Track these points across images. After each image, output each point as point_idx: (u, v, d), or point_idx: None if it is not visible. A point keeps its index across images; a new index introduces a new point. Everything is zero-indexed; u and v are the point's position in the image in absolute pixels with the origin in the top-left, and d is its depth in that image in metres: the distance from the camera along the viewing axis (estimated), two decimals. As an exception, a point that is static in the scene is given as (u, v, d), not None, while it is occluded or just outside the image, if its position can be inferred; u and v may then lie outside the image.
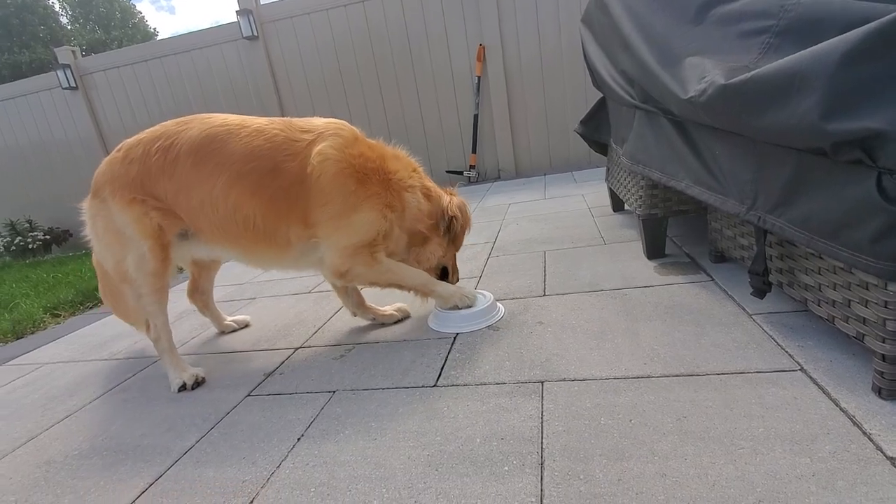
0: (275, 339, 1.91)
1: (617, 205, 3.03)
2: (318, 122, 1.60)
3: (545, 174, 5.61)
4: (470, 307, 1.70)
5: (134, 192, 1.54)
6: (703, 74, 1.26)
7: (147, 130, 1.61)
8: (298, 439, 1.20)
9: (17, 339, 2.66)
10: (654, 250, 2.07)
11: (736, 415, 1.02)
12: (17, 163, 7.29)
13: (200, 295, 2.02)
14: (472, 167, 5.89)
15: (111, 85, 6.68)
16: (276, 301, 2.42)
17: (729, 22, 1.33)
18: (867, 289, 0.97)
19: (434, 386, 1.35)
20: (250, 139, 1.52)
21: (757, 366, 1.18)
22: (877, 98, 0.86)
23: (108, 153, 6.07)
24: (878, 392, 1.00)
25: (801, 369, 1.14)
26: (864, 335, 1.02)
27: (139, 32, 24.44)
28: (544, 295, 1.88)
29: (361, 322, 1.90)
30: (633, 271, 1.96)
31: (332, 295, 2.27)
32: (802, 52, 0.98)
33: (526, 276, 2.13)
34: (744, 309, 1.48)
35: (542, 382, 1.27)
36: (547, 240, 2.66)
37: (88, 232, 1.67)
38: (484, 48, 5.57)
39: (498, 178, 5.93)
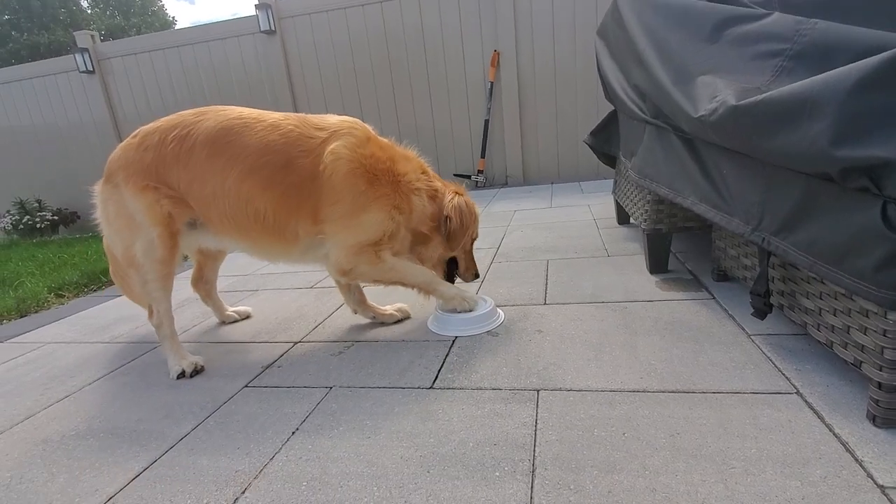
0: (275, 332, 1.92)
1: (622, 218, 3.04)
2: (332, 119, 1.61)
3: (552, 183, 5.62)
4: (470, 311, 1.71)
5: (147, 179, 1.55)
6: (714, 93, 1.27)
7: (164, 119, 1.63)
8: (293, 433, 1.21)
9: (21, 317, 2.69)
10: (657, 265, 2.07)
11: (729, 434, 1.02)
12: (31, 143, 7.37)
13: (204, 284, 2.04)
14: (479, 172, 5.91)
15: (128, 71, 6.74)
16: (277, 294, 2.44)
17: (744, 43, 1.34)
18: (867, 316, 0.98)
19: (430, 388, 1.36)
20: (265, 133, 1.53)
21: (753, 386, 1.18)
22: (887, 127, 0.86)
23: (120, 138, 6.12)
24: (873, 420, 1.00)
25: (798, 392, 1.14)
26: (861, 362, 1.02)
27: (158, 20, 24.66)
28: (545, 304, 1.88)
29: (361, 320, 1.91)
30: (634, 285, 1.96)
31: (333, 291, 2.28)
32: (815, 77, 0.98)
33: (528, 283, 2.13)
34: (743, 329, 1.48)
35: (538, 391, 1.27)
36: (551, 248, 2.67)
37: (99, 216, 1.69)
38: (498, 54, 5.60)
39: (505, 185, 5.94)
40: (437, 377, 1.41)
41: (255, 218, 1.56)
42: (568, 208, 3.86)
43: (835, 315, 1.10)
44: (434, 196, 1.73)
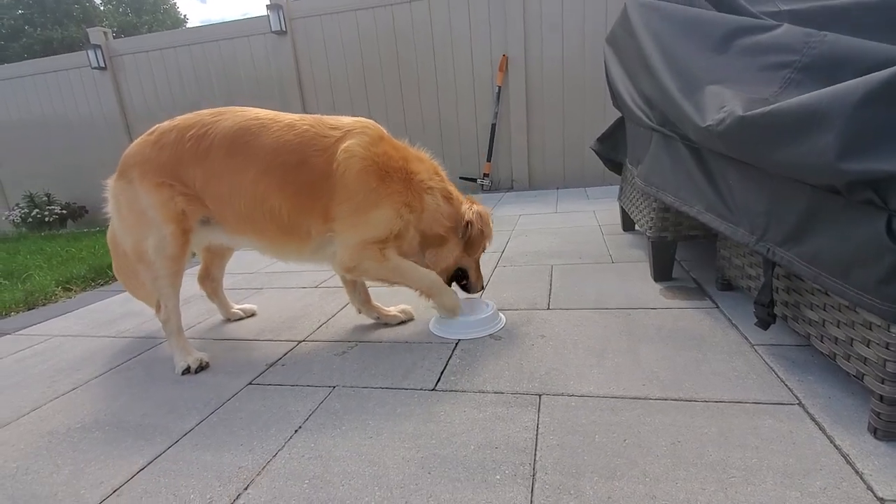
0: (279, 331, 1.94)
1: (627, 224, 3.04)
2: (346, 120, 1.63)
3: (558, 188, 5.62)
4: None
5: (163, 177, 1.57)
6: (722, 104, 1.27)
7: (181, 117, 1.65)
8: (296, 431, 1.23)
9: (29, 309, 2.72)
10: (662, 273, 2.07)
11: (730, 443, 1.02)
12: (42, 137, 7.44)
13: (211, 281, 2.06)
14: (485, 175, 5.92)
15: (139, 68, 6.81)
16: (282, 293, 2.45)
17: (752, 53, 1.34)
18: (870, 329, 0.98)
19: (433, 390, 1.37)
20: (281, 133, 1.55)
21: (755, 396, 1.18)
22: (894, 141, 0.87)
23: (130, 134, 6.16)
24: (874, 432, 1.00)
25: (800, 403, 1.14)
26: (864, 375, 1.02)
27: (169, 18, 24.87)
28: (548, 308, 1.89)
29: (365, 320, 1.92)
30: (638, 292, 1.97)
31: (337, 291, 2.30)
32: (823, 90, 0.99)
33: (531, 288, 2.14)
34: (746, 339, 1.48)
35: (540, 395, 1.28)
36: (555, 254, 2.67)
37: (110, 210, 1.70)
38: (507, 58, 5.61)
39: (511, 189, 5.95)
40: (439, 379, 1.42)
41: (270, 216, 1.57)
42: (573, 214, 3.86)
43: (838, 327, 1.10)
44: (448, 197, 1.72)
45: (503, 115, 5.81)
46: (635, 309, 1.80)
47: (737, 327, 1.56)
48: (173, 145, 1.58)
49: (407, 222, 1.63)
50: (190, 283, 2.19)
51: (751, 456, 0.98)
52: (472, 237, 1.75)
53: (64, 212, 7.27)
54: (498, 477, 0.99)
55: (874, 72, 0.90)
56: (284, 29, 6.04)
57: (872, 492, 0.87)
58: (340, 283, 1.96)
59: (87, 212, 7.49)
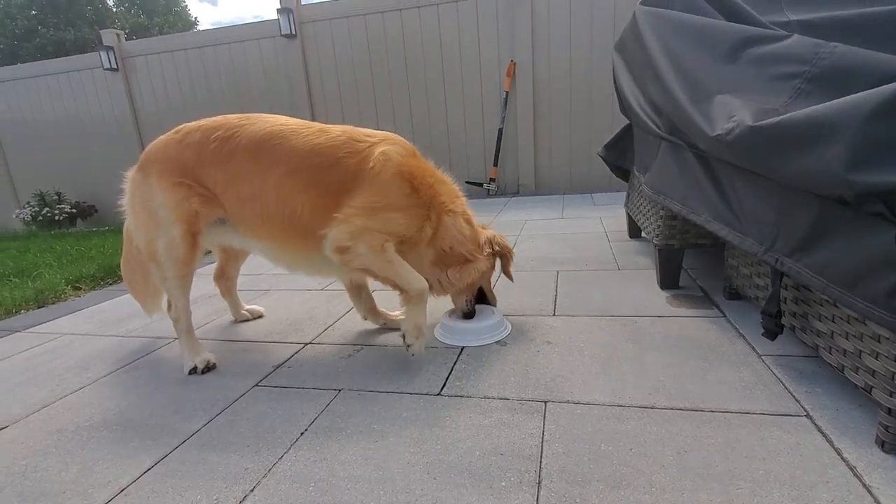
0: (286, 333, 1.95)
1: (634, 231, 3.03)
2: (379, 132, 1.63)
3: (564, 194, 5.62)
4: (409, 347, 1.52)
5: (182, 176, 1.58)
6: (731, 113, 1.28)
7: (207, 119, 1.66)
8: (302, 433, 1.23)
9: (39, 307, 2.75)
10: (668, 281, 2.07)
11: (737, 454, 1.02)
12: (53, 137, 7.54)
13: (225, 280, 2.09)
14: (492, 180, 5.93)
15: (150, 69, 6.89)
16: (289, 295, 2.47)
17: (762, 63, 1.34)
18: (879, 341, 0.97)
19: (438, 395, 1.37)
20: (313, 137, 1.55)
21: (762, 407, 1.18)
22: (904, 154, 0.87)
23: (140, 134, 6.22)
24: (882, 445, 1.00)
25: (807, 415, 1.14)
26: (872, 387, 1.01)
27: (180, 20, 25.13)
28: (554, 315, 1.89)
29: (371, 324, 1.93)
30: (644, 300, 1.96)
31: (343, 294, 2.30)
32: (833, 101, 0.99)
33: (537, 294, 2.14)
34: (754, 349, 1.48)
35: (546, 402, 1.28)
36: (561, 260, 2.67)
37: (125, 202, 1.72)
38: (514, 64, 5.63)
39: (517, 194, 5.95)
40: (444, 384, 1.42)
41: (290, 218, 1.55)
42: (579, 220, 3.86)
43: (847, 339, 1.10)
44: (470, 221, 1.71)
45: (510, 120, 5.83)
46: (641, 317, 1.79)
47: (744, 337, 1.56)
48: (197, 145, 1.59)
49: (418, 234, 1.59)
50: (198, 283, 2.21)
51: (758, 467, 0.98)
52: (505, 261, 1.82)
53: (74, 210, 7.34)
54: (503, 484, 0.99)
55: (885, 84, 0.90)
56: (294, 32, 6.09)
57: (881, 506, 0.86)
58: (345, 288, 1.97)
59: (96, 211, 7.57)
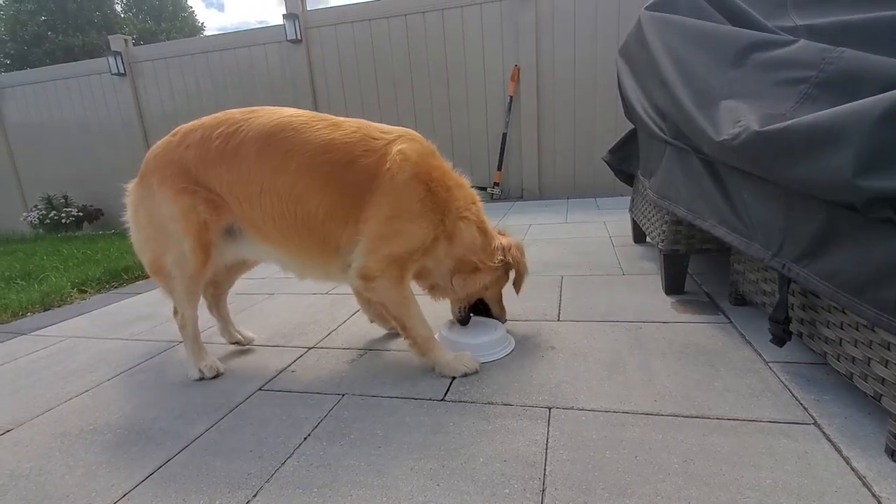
0: (290, 337, 1.95)
1: (638, 236, 3.02)
2: (395, 127, 1.56)
3: (568, 198, 5.61)
4: (466, 374, 1.49)
5: (185, 182, 1.48)
6: (737, 118, 1.27)
7: (208, 116, 1.55)
8: (305, 438, 1.23)
9: (45, 310, 2.76)
10: (674, 286, 2.05)
11: (744, 463, 1.01)
12: (61, 140, 7.62)
13: (213, 289, 1.86)
14: (496, 184, 5.93)
15: (157, 74, 6.95)
16: (293, 299, 2.47)
17: (768, 68, 1.34)
18: (888, 349, 0.96)
19: (442, 400, 1.36)
20: (328, 132, 1.46)
21: (770, 415, 1.17)
22: (913, 160, 0.86)
23: (147, 138, 6.27)
24: (892, 455, 0.98)
25: (815, 423, 1.12)
26: (881, 395, 1.00)
27: (187, 26, 25.36)
28: (558, 320, 1.88)
29: (375, 328, 1.93)
30: (649, 305, 1.95)
31: (347, 298, 2.31)
32: (840, 106, 0.98)
33: (541, 299, 2.13)
34: (760, 355, 1.46)
35: (550, 408, 1.27)
36: (565, 264, 2.66)
37: (129, 219, 1.63)
38: (519, 69, 5.64)
39: (521, 198, 5.95)
40: (448, 389, 1.42)
41: (304, 220, 1.46)
42: (583, 224, 3.85)
43: (855, 346, 1.08)
44: (483, 229, 1.63)
45: (514, 124, 5.83)
46: (646, 322, 1.78)
47: (750, 343, 1.54)
48: (199, 145, 1.48)
49: (437, 241, 1.52)
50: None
51: (765, 476, 0.96)
52: (516, 273, 1.71)
53: (80, 214, 7.40)
54: (507, 491, 0.98)
55: (892, 89, 0.90)
56: (300, 37, 6.14)
57: (891, 517, 0.85)
58: (350, 291, 1.96)
59: (102, 214, 7.62)
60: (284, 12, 6.09)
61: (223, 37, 6.73)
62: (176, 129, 1.57)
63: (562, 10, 5.44)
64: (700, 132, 1.44)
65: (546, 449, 1.11)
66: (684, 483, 0.96)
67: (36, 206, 7.53)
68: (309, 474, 1.09)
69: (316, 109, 6.36)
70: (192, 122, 1.55)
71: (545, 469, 1.04)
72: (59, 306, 2.84)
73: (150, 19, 23.91)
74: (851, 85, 1.11)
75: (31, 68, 8.15)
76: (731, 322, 1.72)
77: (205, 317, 2.29)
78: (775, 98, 1.25)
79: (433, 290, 1.68)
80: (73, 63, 7.63)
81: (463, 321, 1.75)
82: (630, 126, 2.59)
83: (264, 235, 1.54)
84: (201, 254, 1.52)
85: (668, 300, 1.99)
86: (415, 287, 1.64)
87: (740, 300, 1.83)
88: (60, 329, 2.35)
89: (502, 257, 1.62)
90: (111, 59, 6.84)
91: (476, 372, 1.50)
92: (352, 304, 2.21)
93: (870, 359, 1.03)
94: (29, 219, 7.53)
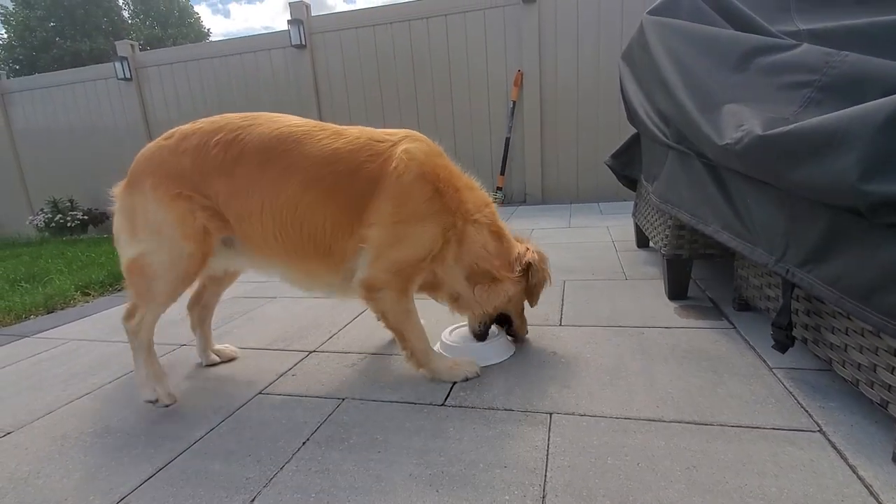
0: (290, 340, 1.94)
1: (641, 241, 3.01)
2: (399, 130, 1.51)
3: (571, 203, 5.60)
4: (467, 379, 1.48)
5: (181, 187, 1.38)
6: (740, 122, 1.26)
7: (204, 120, 1.47)
8: (304, 443, 1.22)
9: (48, 313, 2.77)
10: (677, 291, 2.04)
11: (748, 471, 0.99)
12: (67, 144, 7.67)
13: (201, 309, 1.75)
14: (499, 189, 5.93)
15: (163, 79, 7.01)
16: (294, 303, 2.46)
17: (771, 72, 1.33)
18: (895, 355, 0.95)
19: (442, 405, 1.35)
20: (330, 141, 1.40)
21: (774, 422, 1.15)
22: (918, 164, 0.85)
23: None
24: (901, 464, 0.96)
25: (821, 431, 1.11)
26: (888, 402, 0.98)
27: (193, 32, 25.60)
28: (560, 325, 1.87)
29: (376, 331, 1.92)
30: (652, 310, 1.94)
31: (349, 302, 2.30)
32: (845, 110, 0.98)
33: (543, 304, 2.11)
34: (765, 361, 1.44)
35: (551, 414, 1.26)
36: (568, 269, 2.65)
37: (117, 227, 1.46)
38: (522, 74, 5.65)
39: (524, 202, 5.95)
40: (449, 394, 1.40)
41: (310, 235, 1.40)
42: (586, 229, 3.83)
43: (861, 352, 1.07)
44: (498, 234, 1.55)
45: (517, 129, 5.84)
46: (649, 327, 1.77)
47: (754, 349, 1.53)
48: (195, 151, 1.39)
49: (446, 246, 1.46)
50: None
51: (770, 484, 0.95)
52: (534, 283, 1.56)
53: (85, 217, 7.45)
54: (507, 497, 0.97)
55: (897, 92, 0.89)
56: (304, 43, 6.18)
57: (899, 527, 0.83)
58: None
59: (107, 217, 7.63)
60: (289, 18, 6.13)
61: (228, 42, 6.78)
62: (170, 132, 1.48)
63: (564, 15, 5.45)
64: (703, 136, 1.44)
65: (547, 455, 1.09)
66: (687, 491, 0.95)
67: (42, 210, 7.58)
68: (307, 479, 1.08)
69: (320, 114, 6.41)
70: (188, 126, 1.47)
71: (546, 475, 1.03)
72: (63, 309, 2.85)
73: (157, 25, 24.16)
74: (855, 89, 1.10)
75: (38, 74, 8.21)
76: (734, 327, 1.71)
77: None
78: (778, 102, 1.24)
79: (455, 302, 1.58)
80: (80, 68, 7.70)
81: (481, 336, 1.64)
82: (633, 131, 2.59)
83: (265, 249, 1.46)
84: (199, 261, 1.43)
85: (671, 305, 1.98)
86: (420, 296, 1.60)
87: (744, 305, 1.82)
88: (63, 332, 2.36)
89: (521, 268, 1.52)
90: (117, 65, 6.90)
91: (477, 376, 1.50)
92: (353, 308, 2.20)
93: (876, 365, 1.02)
94: (35, 222, 7.58)
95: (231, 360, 1.80)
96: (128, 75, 6.95)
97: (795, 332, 1.32)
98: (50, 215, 7.40)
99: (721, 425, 1.15)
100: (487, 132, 5.99)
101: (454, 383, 1.46)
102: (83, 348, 2.09)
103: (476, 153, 6.06)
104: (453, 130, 6.07)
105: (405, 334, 1.48)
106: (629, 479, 0.99)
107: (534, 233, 3.84)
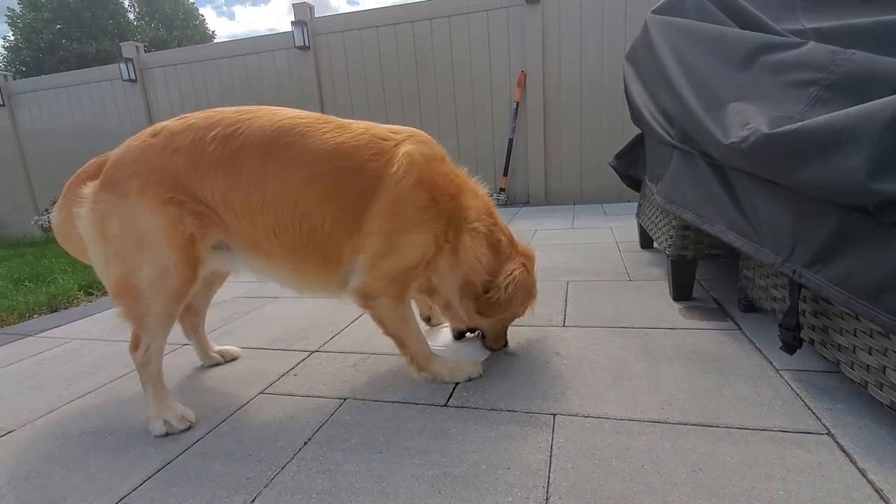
0: (292, 340, 1.94)
1: (645, 242, 2.99)
2: (405, 128, 1.48)
3: (574, 204, 5.58)
4: (469, 380, 1.47)
5: (172, 191, 1.28)
6: (746, 121, 1.25)
7: (195, 115, 1.39)
8: (305, 443, 1.21)
9: (52, 312, 2.78)
10: (681, 292, 2.02)
11: (755, 473, 0.98)
12: (72, 145, 7.71)
13: (192, 317, 1.71)
14: (501, 190, 5.92)
15: (167, 81, 7.04)
16: (296, 302, 2.46)
17: (777, 71, 1.32)
18: (906, 357, 0.93)
19: (444, 405, 1.34)
20: (335, 135, 1.35)
21: (781, 424, 1.13)
22: (928, 161, 0.84)
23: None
24: (911, 468, 0.95)
25: (829, 433, 1.09)
26: (899, 405, 0.97)
27: (198, 33, 25.71)
28: (564, 326, 1.85)
29: (377, 331, 1.90)
30: (657, 311, 1.92)
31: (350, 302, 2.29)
32: (852, 108, 0.96)
33: (547, 304, 2.11)
34: (771, 363, 1.43)
35: (555, 415, 1.25)
36: (571, 270, 2.63)
37: (88, 230, 1.33)
38: (525, 75, 5.64)
39: (527, 204, 5.93)
40: (451, 395, 1.39)
41: (309, 234, 1.34)
42: (590, 230, 3.82)
43: (870, 353, 1.05)
44: (496, 247, 1.49)
45: (520, 130, 5.83)
46: (654, 329, 1.75)
47: (760, 351, 1.51)
48: (190, 149, 1.30)
49: (440, 254, 1.42)
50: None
51: (777, 487, 0.93)
52: (496, 301, 1.46)
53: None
54: (510, 499, 0.96)
55: (907, 90, 0.88)
56: (308, 44, 6.19)
57: (910, 532, 0.81)
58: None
59: (111, 218, 7.69)
60: (293, 19, 6.15)
61: (232, 43, 6.81)
62: (155, 129, 1.36)
63: (568, 15, 5.45)
64: (708, 135, 1.42)
65: (550, 456, 1.08)
66: (693, 493, 0.94)
67: (47, 210, 7.61)
68: (308, 479, 1.07)
69: (322, 113, 6.43)
70: (176, 122, 1.37)
71: (549, 477, 1.01)
72: (66, 308, 2.85)
73: (163, 27, 24.28)
74: (862, 87, 1.09)
75: (44, 75, 8.27)
76: (740, 329, 1.69)
77: (209, 319, 2.29)
78: (785, 100, 1.23)
79: (447, 311, 1.60)
80: (85, 69, 7.75)
81: (457, 337, 1.76)
82: (637, 131, 2.58)
83: (261, 250, 1.39)
84: (188, 270, 1.32)
85: (676, 306, 1.96)
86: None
87: (750, 307, 1.80)
88: (66, 331, 2.36)
89: (494, 294, 1.45)
90: (123, 66, 6.93)
91: (480, 376, 1.48)
92: (354, 309, 2.18)
93: (885, 367, 1.00)
94: (40, 222, 7.61)
95: (234, 359, 1.80)
96: (133, 76, 6.98)
97: (802, 334, 1.30)
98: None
99: (727, 427, 1.14)
100: (490, 133, 5.98)
101: (456, 384, 1.45)
102: (86, 347, 2.09)
103: (479, 154, 6.05)
104: (456, 131, 6.06)
105: (404, 340, 1.47)
106: (634, 482, 0.98)
107: (537, 234, 3.83)
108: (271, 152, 1.31)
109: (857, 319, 1.08)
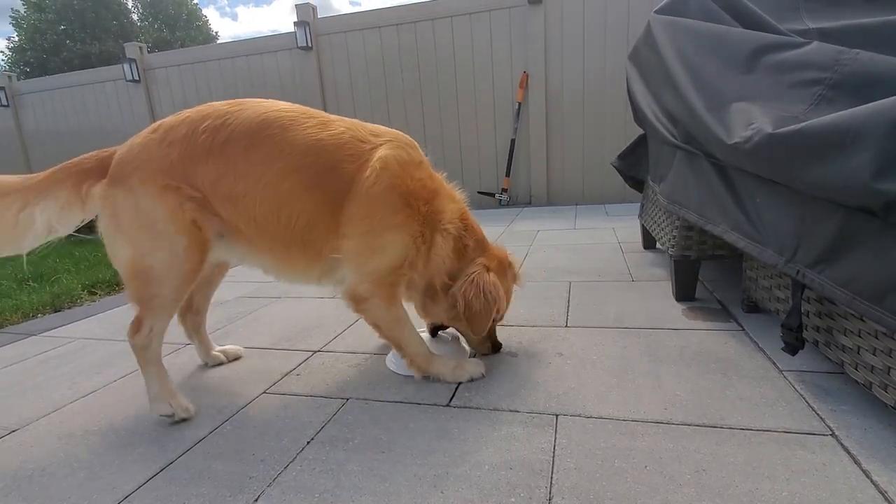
0: (295, 340, 1.94)
1: (648, 242, 2.99)
2: (389, 131, 1.48)
3: (577, 204, 5.58)
4: (472, 380, 1.47)
5: (168, 178, 1.33)
6: (750, 121, 1.25)
7: (190, 110, 1.44)
8: (308, 442, 1.21)
9: (55, 311, 2.79)
10: (684, 293, 2.02)
11: (759, 474, 0.97)
12: (76, 145, 7.69)
13: (193, 315, 1.72)
14: (504, 190, 5.91)
15: (170, 81, 7.06)
16: (299, 302, 2.46)
17: (781, 71, 1.32)
18: (911, 358, 0.93)
19: (447, 405, 1.34)
20: (315, 131, 1.38)
21: (785, 425, 1.13)
22: (934, 161, 0.83)
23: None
24: (916, 469, 0.94)
25: (833, 434, 1.08)
26: (904, 406, 0.96)
27: (201, 34, 25.78)
28: (566, 326, 1.85)
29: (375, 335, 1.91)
30: (659, 312, 1.92)
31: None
32: (857, 108, 0.96)
33: (549, 305, 2.11)
34: (774, 364, 1.42)
35: (557, 415, 1.24)
36: (573, 270, 2.63)
37: (104, 227, 1.41)
38: (527, 76, 5.64)
39: (529, 204, 5.93)
40: (454, 395, 1.39)
41: (286, 225, 1.38)
42: (592, 230, 3.81)
43: (874, 354, 1.05)
44: (462, 252, 1.51)
45: (522, 130, 5.83)
46: (656, 329, 1.75)
47: (764, 351, 1.51)
48: (184, 141, 1.35)
49: (418, 252, 1.44)
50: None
51: (781, 488, 0.93)
52: (466, 314, 1.46)
53: (94, 217, 7.50)
54: (513, 500, 0.96)
55: (912, 89, 0.87)
56: (310, 45, 6.20)
57: (915, 533, 0.81)
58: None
59: (115, 219, 7.72)
60: (296, 20, 6.16)
61: (235, 44, 6.82)
62: (155, 125, 1.43)
63: (570, 16, 5.44)
64: (711, 135, 1.42)
65: (553, 457, 1.08)
66: (696, 494, 0.93)
67: (50, 211, 7.65)
68: (311, 479, 1.07)
69: (325, 115, 6.43)
70: (172, 118, 1.43)
71: (552, 478, 1.01)
72: (70, 308, 2.86)
73: (166, 28, 24.36)
74: (867, 86, 1.08)
75: (48, 76, 8.31)
76: (743, 329, 1.68)
77: (211, 319, 2.29)
78: (789, 100, 1.23)
79: (421, 308, 1.65)
80: (89, 70, 7.78)
81: (433, 334, 1.77)
82: (640, 131, 2.57)
83: (246, 238, 1.44)
84: (197, 253, 1.38)
85: (679, 307, 1.96)
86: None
87: (753, 307, 1.79)
88: (69, 330, 2.37)
89: (451, 301, 1.47)
90: (126, 67, 6.95)
91: (482, 376, 1.48)
92: (358, 309, 2.19)
93: (889, 368, 1.00)
94: (43, 223, 7.65)
95: (237, 359, 1.81)
96: (136, 77, 7.00)
97: (806, 334, 1.30)
98: (58, 216, 7.46)
99: (730, 428, 1.14)
100: (493, 134, 5.98)
101: (459, 384, 1.45)
102: (90, 347, 2.09)
103: (481, 155, 6.05)
104: (458, 132, 6.06)
105: (401, 342, 1.48)
106: (637, 483, 0.98)
107: (539, 234, 3.83)
108: (254, 143, 1.36)
109: (862, 320, 1.08)
